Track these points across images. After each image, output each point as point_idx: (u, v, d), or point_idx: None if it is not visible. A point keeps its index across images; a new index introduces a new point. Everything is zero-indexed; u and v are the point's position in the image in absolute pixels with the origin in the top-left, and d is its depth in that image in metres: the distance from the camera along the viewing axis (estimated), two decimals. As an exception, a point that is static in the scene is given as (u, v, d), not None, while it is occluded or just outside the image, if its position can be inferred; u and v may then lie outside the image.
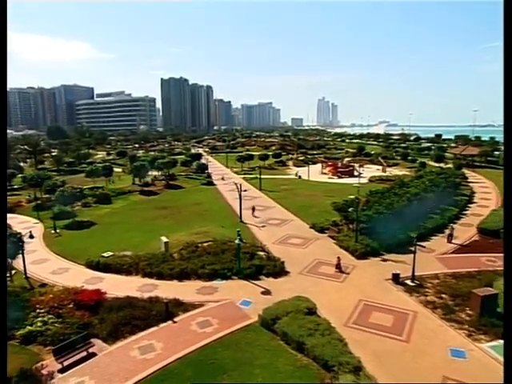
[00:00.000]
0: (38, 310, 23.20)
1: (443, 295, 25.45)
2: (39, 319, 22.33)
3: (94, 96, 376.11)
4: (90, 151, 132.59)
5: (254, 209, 49.84)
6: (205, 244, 35.99)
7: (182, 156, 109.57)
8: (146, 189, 69.77)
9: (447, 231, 37.74)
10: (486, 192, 60.48)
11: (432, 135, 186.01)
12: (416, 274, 27.85)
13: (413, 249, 28.19)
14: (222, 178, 78.90)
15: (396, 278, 27.71)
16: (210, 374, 18.32)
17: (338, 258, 30.77)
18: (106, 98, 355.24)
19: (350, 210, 37.01)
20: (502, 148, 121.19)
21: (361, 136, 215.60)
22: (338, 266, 30.14)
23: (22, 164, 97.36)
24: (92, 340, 20.87)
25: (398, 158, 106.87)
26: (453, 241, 36.06)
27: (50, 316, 22.74)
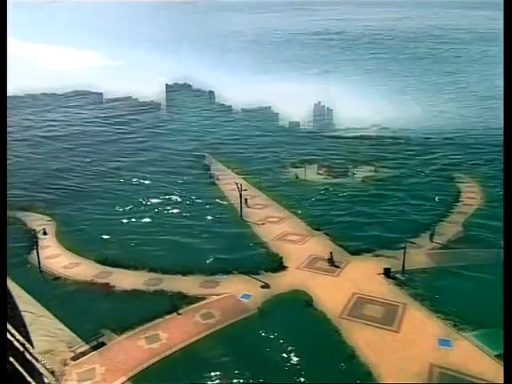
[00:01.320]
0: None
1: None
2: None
3: (103, 101, 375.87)
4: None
5: (246, 200, 50.41)
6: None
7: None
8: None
9: (436, 228, 37.69)
10: (471, 191, 60.37)
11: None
12: (406, 268, 27.98)
13: (403, 245, 28.32)
14: (217, 179, 78.46)
15: (387, 273, 27.80)
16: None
17: (331, 252, 30.81)
18: (114, 103, 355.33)
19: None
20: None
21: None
22: (331, 260, 30.18)
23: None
24: (101, 330, 21.03)
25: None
26: (440, 238, 35.81)
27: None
